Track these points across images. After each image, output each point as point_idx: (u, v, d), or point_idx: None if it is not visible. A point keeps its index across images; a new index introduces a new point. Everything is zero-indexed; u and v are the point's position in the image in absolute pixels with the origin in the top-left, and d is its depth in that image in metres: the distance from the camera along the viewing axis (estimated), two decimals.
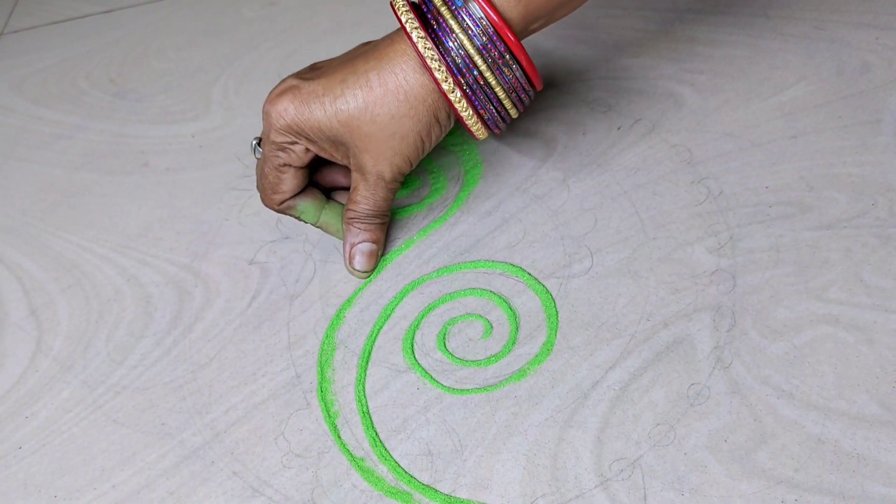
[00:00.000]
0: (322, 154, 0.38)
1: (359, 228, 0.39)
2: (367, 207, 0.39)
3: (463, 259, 0.41)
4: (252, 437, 0.36)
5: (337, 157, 0.38)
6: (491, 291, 0.39)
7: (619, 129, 0.45)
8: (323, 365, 0.38)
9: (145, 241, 0.46)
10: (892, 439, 0.31)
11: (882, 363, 0.33)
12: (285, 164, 0.38)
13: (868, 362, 0.33)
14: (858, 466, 0.31)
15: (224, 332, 0.40)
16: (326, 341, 0.39)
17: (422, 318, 0.39)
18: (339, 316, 0.39)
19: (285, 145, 0.37)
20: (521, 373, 0.36)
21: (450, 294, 0.39)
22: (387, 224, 0.41)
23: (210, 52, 0.58)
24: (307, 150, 0.38)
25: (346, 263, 0.40)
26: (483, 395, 0.35)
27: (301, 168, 0.39)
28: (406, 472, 0.34)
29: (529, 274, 0.39)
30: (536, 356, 0.36)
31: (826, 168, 0.41)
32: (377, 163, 0.37)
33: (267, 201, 0.40)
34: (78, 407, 0.39)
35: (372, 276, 0.41)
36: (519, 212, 0.42)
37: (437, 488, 0.33)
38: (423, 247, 0.42)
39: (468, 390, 0.36)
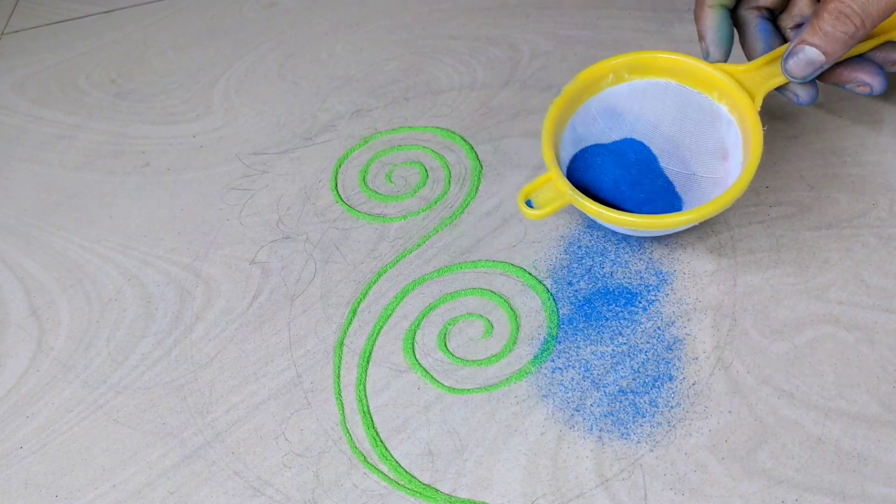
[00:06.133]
0: None
1: (826, 28, 0.33)
2: (860, 4, 0.32)
3: (463, 259, 0.41)
4: (253, 436, 0.36)
5: None
6: (491, 291, 0.39)
7: None
8: (337, 366, 0.38)
9: (146, 241, 0.46)
10: (892, 439, 0.31)
11: (882, 363, 0.33)
12: None
13: (868, 362, 0.34)
14: (859, 466, 0.31)
15: (225, 331, 0.40)
16: (338, 345, 0.38)
17: (422, 318, 0.39)
18: (353, 313, 0.40)
19: None
20: (522, 373, 0.36)
21: (450, 294, 0.39)
22: (853, 44, 0.34)
23: (211, 52, 0.58)
24: None
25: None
26: (483, 394, 0.35)
27: None
28: (407, 471, 0.34)
29: (530, 274, 0.39)
30: (536, 356, 0.36)
31: (826, 168, 0.41)
32: None
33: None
34: (79, 407, 0.39)
35: (374, 278, 0.41)
36: (519, 212, 0.42)
37: (438, 488, 0.33)
38: (423, 247, 0.42)
39: (468, 390, 0.36)
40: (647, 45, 0.49)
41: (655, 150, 0.39)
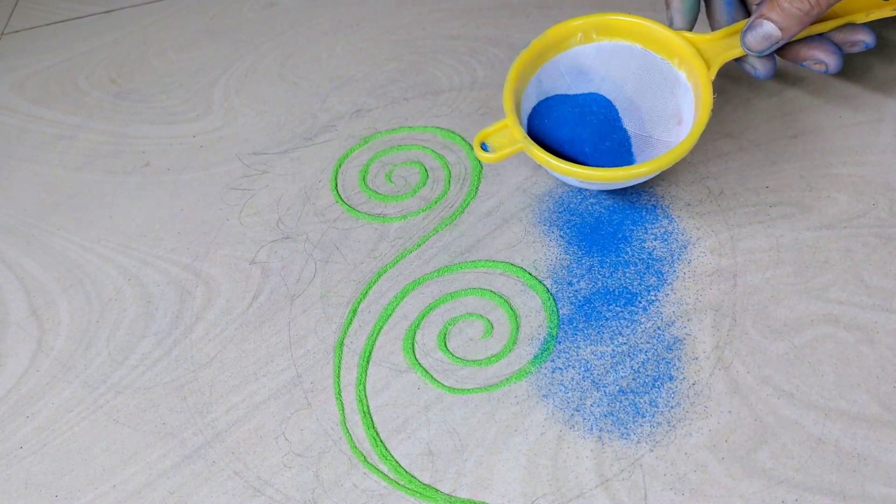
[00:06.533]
0: None
1: (784, 4, 0.35)
2: None
3: (463, 259, 0.41)
4: (253, 436, 0.36)
5: None
6: (491, 291, 0.39)
7: None
8: (337, 366, 0.38)
9: (146, 240, 0.46)
10: (892, 439, 0.31)
11: (882, 363, 0.33)
12: None
13: (868, 362, 0.34)
14: (859, 466, 0.31)
15: (225, 331, 0.40)
16: (338, 345, 0.38)
17: (422, 318, 0.39)
18: (353, 313, 0.40)
19: None
20: (522, 373, 0.36)
21: (450, 294, 0.39)
22: (808, 21, 0.35)
23: (211, 52, 0.58)
24: None
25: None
26: (483, 394, 0.35)
27: None
28: (407, 471, 0.34)
29: (530, 274, 0.39)
30: (536, 356, 0.36)
31: (826, 168, 0.41)
32: None
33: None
34: (79, 407, 0.39)
35: (374, 278, 0.41)
36: (519, 212, 0.42)
37: (438, 488, 0.33)
38: (423, 247, 0.42)
39: (469, 390, 0.36)
40: None
41: (619, 108, 0.40)
